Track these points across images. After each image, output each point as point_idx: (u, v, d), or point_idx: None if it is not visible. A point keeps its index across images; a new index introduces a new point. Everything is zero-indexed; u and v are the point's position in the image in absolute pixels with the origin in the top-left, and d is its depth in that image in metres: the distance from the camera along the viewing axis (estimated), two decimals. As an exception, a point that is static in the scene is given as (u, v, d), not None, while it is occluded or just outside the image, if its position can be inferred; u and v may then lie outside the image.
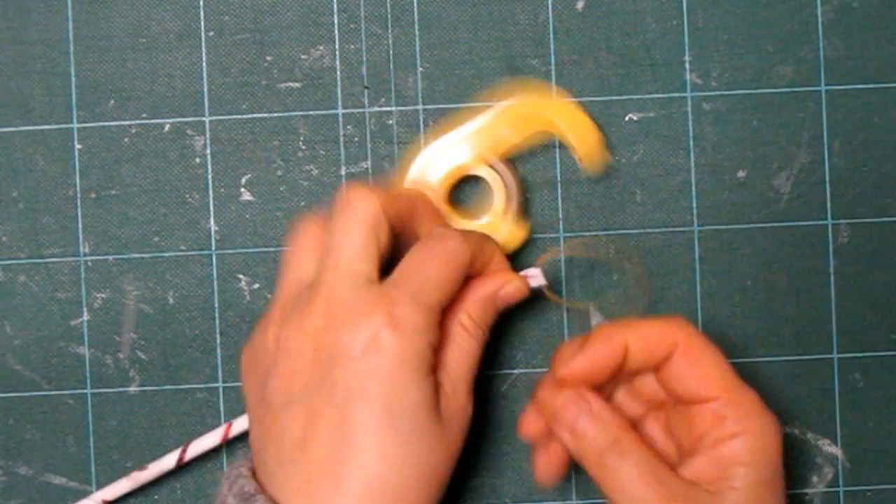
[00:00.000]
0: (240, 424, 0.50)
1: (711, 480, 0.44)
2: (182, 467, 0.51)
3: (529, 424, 0.48)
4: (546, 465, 0.48)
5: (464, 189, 0.53)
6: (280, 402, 0.43)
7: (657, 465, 0.44)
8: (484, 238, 0.47)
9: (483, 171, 0.51)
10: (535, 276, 0.49)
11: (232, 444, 0.53)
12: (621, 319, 0.47)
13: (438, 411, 0.44)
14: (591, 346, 0.46)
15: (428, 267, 0.44)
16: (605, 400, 0.46)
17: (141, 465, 0.50)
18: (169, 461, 0.50)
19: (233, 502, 0.43)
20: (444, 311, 0.45)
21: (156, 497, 0.53)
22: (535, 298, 0.53)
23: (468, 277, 0.46)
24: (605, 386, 0.47)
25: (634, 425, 0.47)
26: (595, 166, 0.52)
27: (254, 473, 0.45)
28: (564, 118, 0.51)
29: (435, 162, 0.51)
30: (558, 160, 0.53)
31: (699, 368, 0.45)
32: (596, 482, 0.45)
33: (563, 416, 0.45)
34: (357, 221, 0.44)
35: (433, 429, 0.43)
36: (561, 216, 0.53)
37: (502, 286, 0.47)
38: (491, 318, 0.47)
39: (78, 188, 0.53)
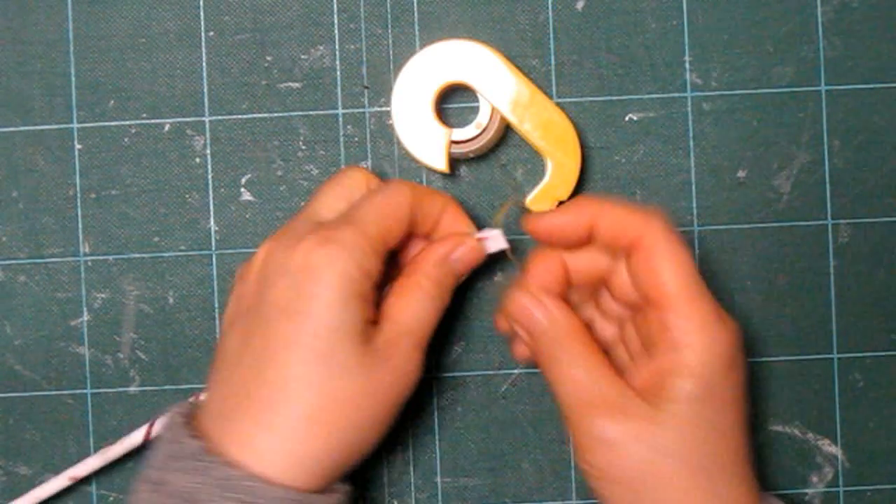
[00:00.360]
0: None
1: (652, 391, 0.44)
2: (149, 444, 0.51)
3: (501, 322, 0.50)
4: (521, 353, 0.49)
5: (452, 99, 0.53)
6: (227, 322, 0.45)
7: (603, 371, 0.45)
8: (435, 193, 0.48)
9: (473, 82, 0.51)
10: (493, 238, 0.48)
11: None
12: (600, 198, 0.47)
13: (373, 347, 0.44)
14: (563, 209, 0.47)
15: (368, 203, 0.46)
16: (567, 305, 0.47)
17: (109, 441, 0.50)
18: (136, 437, 0.50)
19: (160, 432, 0.46)
20: (403, 272, 0.47)
21: (156, 497, 0.53)
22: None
23: (426, 239, 0.48)
24: (583, 291, 0.49)
25: (602, 333, 0.48)
26: (542, 210, 0.51)
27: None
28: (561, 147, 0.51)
29: (427, 67, 0.51)
30: (558, 160, 0.53)
31: (656, 268, 0.45)
32: (545, 378, 0.46)
33: (520, 316, 0.47)
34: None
35: (357, 357, 0.43)
36: (561, 216, 0.53)
37: (456, 247, 0.47)
38: (449, 279, 0.47)
39: (78, 188, 0.53)
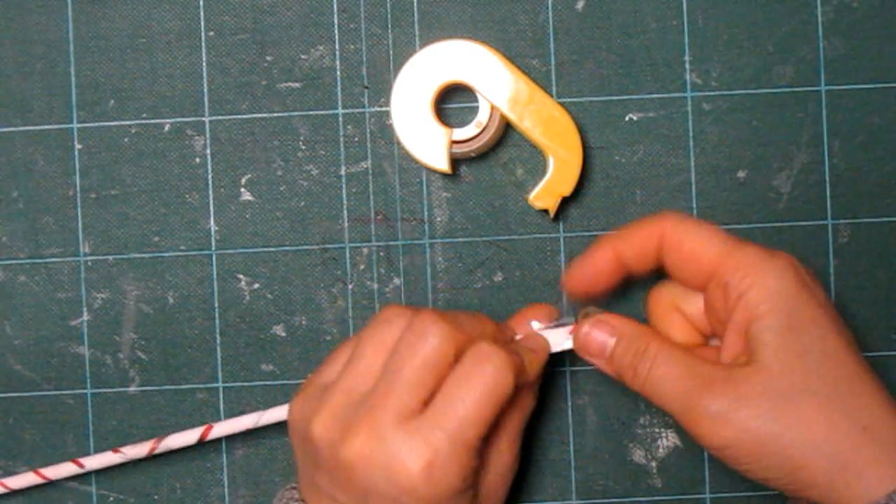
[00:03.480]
0: (220, 429, 0.50)
1: (744, 350, 0.45)
2: (155, 457, 0.52)
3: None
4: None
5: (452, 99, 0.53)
6: (325, 491, 0.46)
7: (689, 360, 0.45)
8: (527, 349, 0.48)
9: (472, 81, 0.51)
10: (557, 333, 0.49)
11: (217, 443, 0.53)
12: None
13: (481, 481, 0.46)
14: (585, 254, 0.48)
15: (469, 401, 0.44)
16: (627, 317, 0.47)
17: (115, 448, 0.50)
18: (141, 449, 0.50)
19: None
20: None
21: (156, 497, 0.53)
22: (534, 299, 0.53)
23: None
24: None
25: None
26: (544, 206, 0.52)
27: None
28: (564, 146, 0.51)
29: (426, 67, 0.51)
30: (558, 160, 0.53)
31: (685, 249, 0.46)
32: (640, 394, 0.46)
33: (589, 345, 0.47)
34: (424, 357, 0.45)
35: None
36: (561, 216, 0.53)
37: (533, 358, 0.48)
38: (537, 383, 0.49)
39: (78, 188, 0.53)
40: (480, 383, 0.44)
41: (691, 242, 0.46)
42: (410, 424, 0.44)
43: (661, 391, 0.45)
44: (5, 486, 0.51)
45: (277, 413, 0.49)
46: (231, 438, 0.53)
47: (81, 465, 0.51)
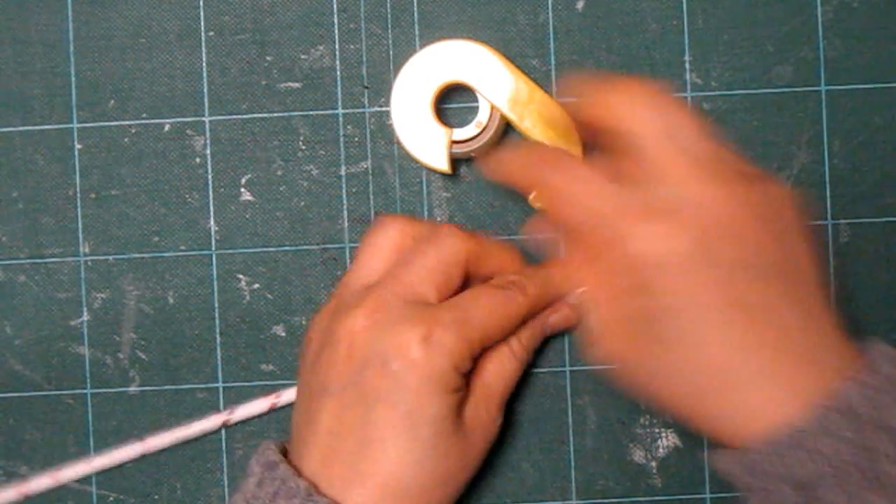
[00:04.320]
0: (287, 396, 0.52)
1: None
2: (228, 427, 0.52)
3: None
4: None
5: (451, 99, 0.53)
6: (318, 390, 0.46)
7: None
8: (547, 282, 0.48)
9: (472, 81, 0.51)
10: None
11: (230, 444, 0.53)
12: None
13: (461, 421, 0.46)
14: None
15: (484, 306, 0.46)
16: None
17: (186, 422, 0.52)
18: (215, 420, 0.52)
19: (258, 470, 0.46)
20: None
21: (156, 497, 0.53)
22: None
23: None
24: None
25: None
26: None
27: (282, 449, 0.47)
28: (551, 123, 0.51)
29: (426, 67, 0.51)
30: (558, 160, 0.53)
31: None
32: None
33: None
34: (437, 254, 0.46)
35: (452, 438, 0.46)
36: (561, 216, 0.53)
37: (552, 314, 0.49)
38: (538, 342, 0.49)
39: (78, 188, 0.53)
40: (500, 298, 0.46)
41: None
42: (418, 305, 0.45)
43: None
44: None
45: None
46: (231, 438, 0.53)
47: (143, 440, 0.52)
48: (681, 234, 0.43)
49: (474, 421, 0.47)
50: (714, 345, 0.43)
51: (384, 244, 0.48)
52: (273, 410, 0.52)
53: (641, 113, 0.45)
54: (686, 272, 0.43)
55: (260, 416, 0.52)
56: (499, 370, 0.48)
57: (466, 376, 0.46)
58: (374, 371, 0.44)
